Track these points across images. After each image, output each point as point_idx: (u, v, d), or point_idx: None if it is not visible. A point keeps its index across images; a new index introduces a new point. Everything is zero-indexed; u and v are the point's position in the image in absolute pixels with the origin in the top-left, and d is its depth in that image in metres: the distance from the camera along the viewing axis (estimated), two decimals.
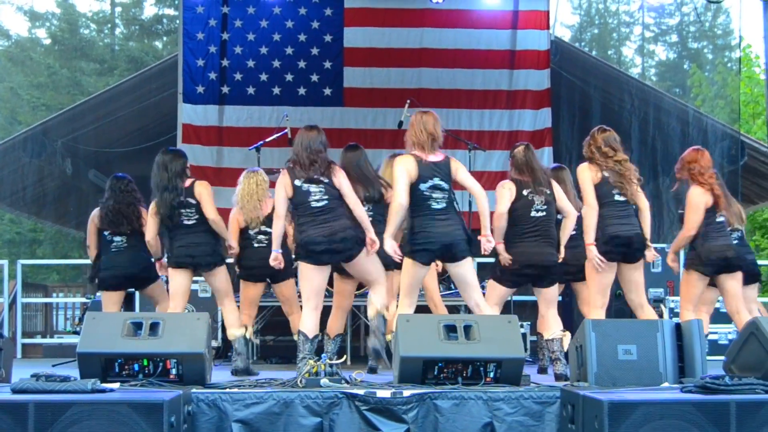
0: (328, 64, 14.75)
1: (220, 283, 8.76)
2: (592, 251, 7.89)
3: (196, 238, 8.58)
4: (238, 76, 14.68)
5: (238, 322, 8.82)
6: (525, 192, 8.18)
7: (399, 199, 7.42)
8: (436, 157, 7.62)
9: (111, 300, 9.32)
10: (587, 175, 7.99)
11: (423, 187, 7.49)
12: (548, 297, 8.36)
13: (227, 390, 6.26)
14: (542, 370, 8.99)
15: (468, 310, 9.67)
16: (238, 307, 9.16)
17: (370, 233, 7.66)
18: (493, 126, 14.71)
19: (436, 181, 7.51)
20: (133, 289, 10.05)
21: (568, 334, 8.14)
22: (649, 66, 40.80)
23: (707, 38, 39.22)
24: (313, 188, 7.65)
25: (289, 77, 14.71)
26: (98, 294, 10.47)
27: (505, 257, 8.16)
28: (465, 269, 7.64)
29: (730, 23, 37.78)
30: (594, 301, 8.07)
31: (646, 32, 40.59)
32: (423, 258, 7.55)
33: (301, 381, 6.46)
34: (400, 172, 7.48)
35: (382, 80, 14.76)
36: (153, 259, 9.19)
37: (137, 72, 18.71)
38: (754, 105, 25.69)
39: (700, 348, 6.75)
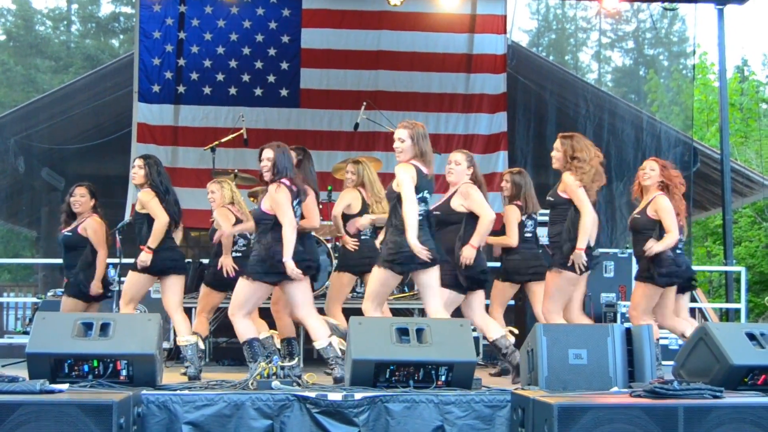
0: (285, 65, 14.70)
1: (178, 290, 8.66)
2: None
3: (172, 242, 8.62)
4: (194, 76, 14.59)
5: (190, 330, 8.71)
6: None
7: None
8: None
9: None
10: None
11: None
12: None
13: (178, 392, 6.23)
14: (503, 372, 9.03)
15: (422, 314, 9.71)
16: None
17: None
18: (449, 129, 14.72)
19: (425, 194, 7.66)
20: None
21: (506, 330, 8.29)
22: (605, 72, 41.15)
23: (663, 45, 39.60)
24: (297, 209, 7.70)
25: (245, 77, 14.64)
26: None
27: None
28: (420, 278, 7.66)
29: (685, 31, 38.24)
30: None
31: (603, 38, 40.90)
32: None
33: (252, 383, 6.44)
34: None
35: (338, 82, 14.74)
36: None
37: (93, 70, 18.61)
38: (708, 112, 25.95)
39: (650, 353, 6.81)
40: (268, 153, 7.71)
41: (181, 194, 9.39)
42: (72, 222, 9.17)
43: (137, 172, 8.58)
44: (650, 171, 8.67)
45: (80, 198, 9.16)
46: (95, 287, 8.98)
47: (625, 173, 14.02)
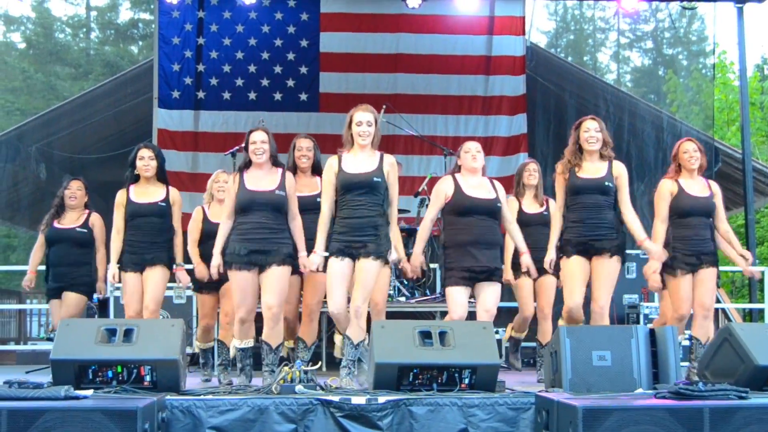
0: (304, 69, 14.72)
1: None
2: None
3: None
4: (213, 81, 14.63)
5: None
6: None
7: None
8: None
9: None
10: None
11: None
12: None
13: (202, 397, 6.23)
14: None
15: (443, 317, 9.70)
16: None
17: None
18: (469, 131, 14.68)
19: None
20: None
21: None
22: (624, 72, 41.07)
23: (682, 44, 39.49)
24: None
25: (264, 82, 14.67)
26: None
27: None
28: None
29: (704, 30, 38.12)
30: None
31: (622, 38, 40.84)
32: None
33: (276, 387, 6.44)
34: None
35: (357, 85, 14.73)
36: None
37: (112, 76, 18.65)
38: (728, 111, 25.79)
39: (674, 354, 6.77)
40: (261, 135, 7.65)
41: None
42: (60, 217, 8.98)
43: (149, 164, 8.18)
44: (695, 153, 8.18)
45: (77, 191, 8.94)
46: (102, 288, 8.98)
47: (646, 173, 13.96)
